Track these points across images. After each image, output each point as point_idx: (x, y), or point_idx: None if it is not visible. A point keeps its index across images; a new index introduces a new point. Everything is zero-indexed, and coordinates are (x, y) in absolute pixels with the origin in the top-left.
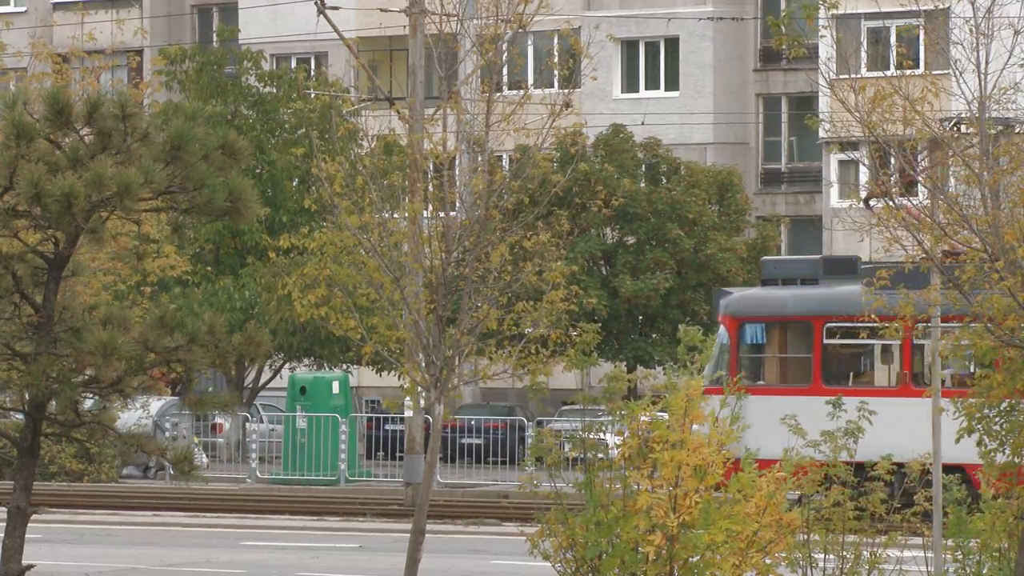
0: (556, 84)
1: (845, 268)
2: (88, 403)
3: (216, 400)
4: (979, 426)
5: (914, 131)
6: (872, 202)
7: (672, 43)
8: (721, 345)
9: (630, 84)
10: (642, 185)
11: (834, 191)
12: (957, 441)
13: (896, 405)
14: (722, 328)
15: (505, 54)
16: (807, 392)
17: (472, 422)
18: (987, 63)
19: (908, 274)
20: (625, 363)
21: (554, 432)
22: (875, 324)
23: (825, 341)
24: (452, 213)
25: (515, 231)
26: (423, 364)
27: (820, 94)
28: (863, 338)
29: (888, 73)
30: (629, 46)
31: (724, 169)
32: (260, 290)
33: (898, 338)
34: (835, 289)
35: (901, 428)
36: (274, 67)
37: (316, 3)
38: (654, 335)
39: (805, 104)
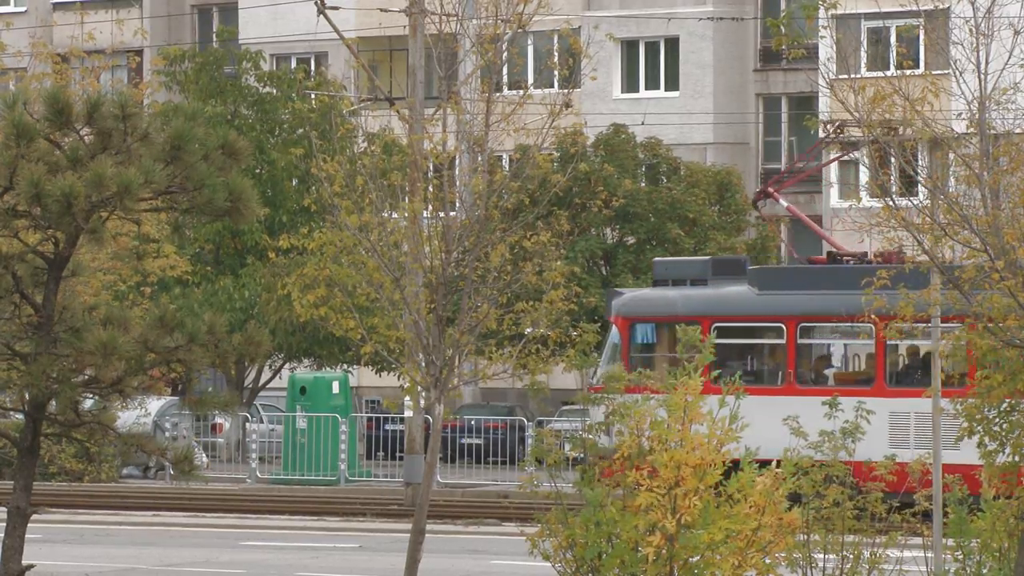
0: (556, 84)
1: (733, 269)
2: (88, 403)
3: (216, 400)
4: (979, 427)
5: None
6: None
7: (672, 43)
8: (613, 345)
9: (630, 84)
10: (642, 185)
11: (834, 191)
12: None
13: (781, 403)
14: (614, 328)
15: (505, 54)
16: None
17: (472, 422)
18: (987, 63)
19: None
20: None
21: (554, 432)
22: (758, 324)
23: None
24: (452, 213)
25: (515, 231)
26: (423, 364)
27: (820, 94)
28: (750, 338)
29: (888, 73)
30: (629, 46)
31: (724, 169)
32: (260, 290)
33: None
34: (723, 290)
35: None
36: (274, 67)
37: (316, 3)
38: None
39: (805, 104)
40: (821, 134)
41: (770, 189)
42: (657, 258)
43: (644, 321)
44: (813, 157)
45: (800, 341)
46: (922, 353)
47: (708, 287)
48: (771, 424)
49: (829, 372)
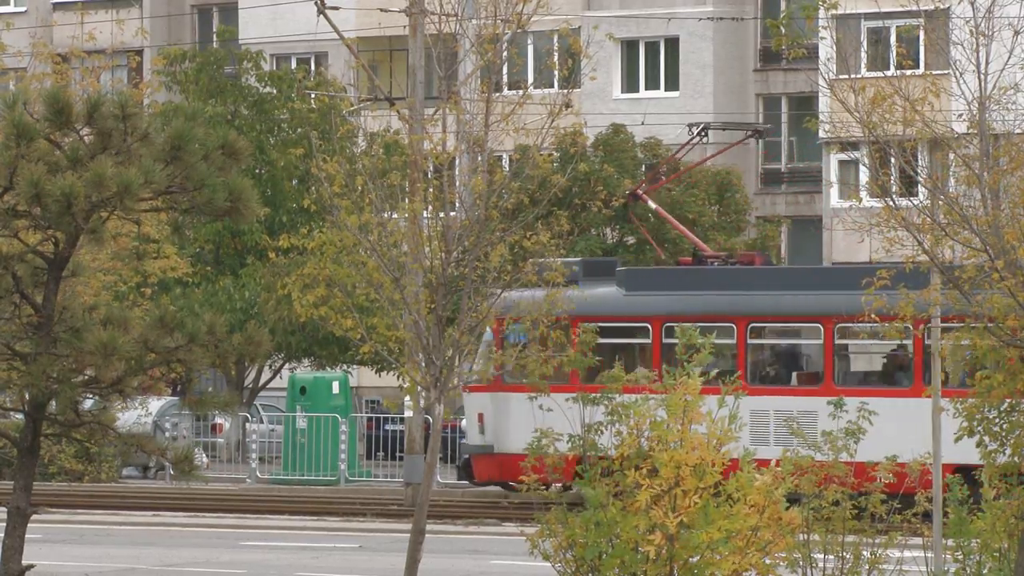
0: (556, 84)
1: (603, 270)
2: (88, 403)
3: (216, 400)
4: (979, 427)
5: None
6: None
7: (672, 43)
8: (486, 344)
9: (630, 84)
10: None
11: (834, 191)
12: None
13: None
14: (488, 328)
15: (505, 54)
16: (566, 389)
17: None
18: (987, 63)
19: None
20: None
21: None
22: (625, 324)
23: (601, 341)
24: (452, 213)
25: (515, 231)
26: (423, 364)
27: (820, 94)
28: (618, 338)
29: (888, 73)
30: (629, 46)
31: (724, 169)
32: (260, 290)
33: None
34: (592, 291)
35: None
36: (274, 67)
37: (316, 3)
38: None
39: (805, 104)
40: (687, 137)
41: (638, 192)
42: (531, 259)
43: (516, 320)
44: (681, 157)
45: (665, 341)
46: (781, 352)
47: (579, 288)
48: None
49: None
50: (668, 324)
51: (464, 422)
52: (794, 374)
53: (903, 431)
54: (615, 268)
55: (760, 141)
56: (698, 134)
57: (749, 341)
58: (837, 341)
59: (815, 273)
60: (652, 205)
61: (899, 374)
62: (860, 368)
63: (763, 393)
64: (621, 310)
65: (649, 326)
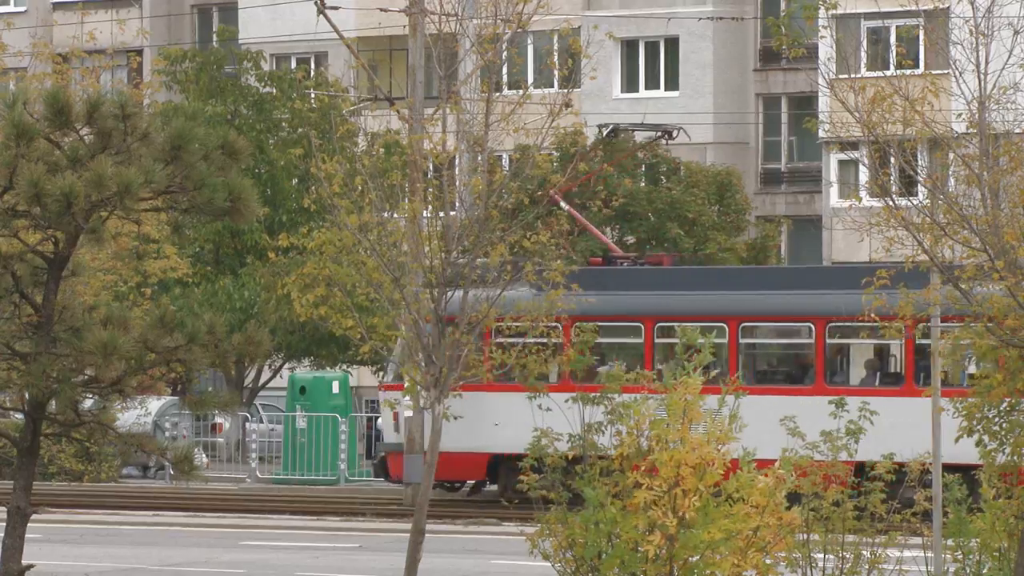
0: (556, 84)
1: (516, 270)
2: (88, 403)
3: (216, 400)
4: (979, 426)
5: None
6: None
7: (672, 43)
8: (402, 343)
9: (630, 84)
10: (642, 185)
11: (834, 191)
12: None
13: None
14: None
15: (505, 54)
16: (477, 388)
17: None
18: (987, 63)
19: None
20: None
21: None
22: (526, 324)
23: (495, 340)
24: (452, 213)
25: (515, 231)
26: (423, 364)
27: (820, 94)
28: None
29: (888, 73)
30: (629, 46)
31: (724, 169)
32: (260, 290)
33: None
34: (506, 291)
35: (551, 419)
36: (274, 67)
37: (316, 3)
38: None
39: (805, 104)
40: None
41: (552, 192)
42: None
43: (426, 321)
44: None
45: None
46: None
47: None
48: (542, 418)
49: (602, 370)
50: (577, 323)
51: (380, 421)
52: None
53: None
54: (520, 270)
55: (668, 140)
56: (606, 136)
57: (657, 341)
58: (741, 340)
59: (721, 273)
60: (564, 207)
61: (798, 373)
62: (763, 368)
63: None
64: (532, 310)
65: (559, 326)
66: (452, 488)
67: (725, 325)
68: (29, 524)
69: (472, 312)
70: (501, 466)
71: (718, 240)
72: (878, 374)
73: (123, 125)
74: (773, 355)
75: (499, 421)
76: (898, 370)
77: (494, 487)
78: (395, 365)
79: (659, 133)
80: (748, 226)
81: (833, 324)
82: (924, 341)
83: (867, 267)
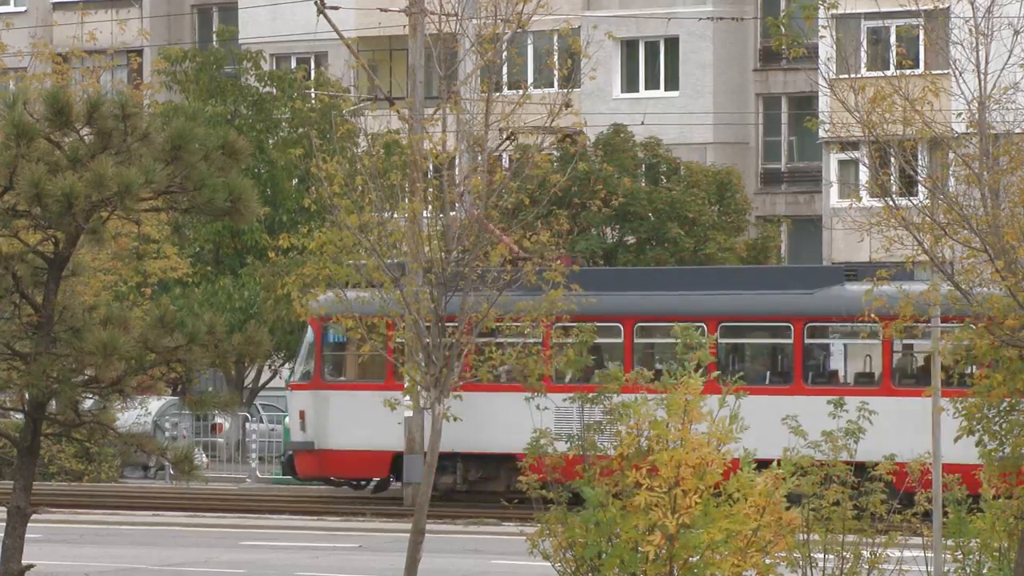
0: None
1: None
2: (88, 403)
3: (216, 400)
4: (979, 426)
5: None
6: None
7: (672, 43)
8: (308, 344)
9: (630, 84)
10: (642, 184)
11: (834, 191)
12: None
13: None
14: (309, 328)
15: (504, 54)
16: (382, 387)
17: None
18: (987, 63)
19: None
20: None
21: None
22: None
23: (398, 340)
24: (452, 213)
25: (515, 231)
26: (423, 364)
27: (820, 94)
28: None
29: (888, 73)
30: (629, 46)
31: (724, 169)
32: (260, 290)
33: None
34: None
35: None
36: (274, 67)
37: (316, 3)
38: None
39: (805, 104)
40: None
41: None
42: (349, 262)
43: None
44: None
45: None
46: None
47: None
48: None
49: (502, 370)
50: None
51: (288, 420)
52: (596, 373)
53: None
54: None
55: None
56: (506, 139)
57: (554, 341)
58: (637, 340)
59: (616, 275)
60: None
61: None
62: (659, 367)
63: (566, 390)
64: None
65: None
66: (358, 486)
67: (620, 325)
68: (29, 524)
69: (472, 312)
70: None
71: (718, 240)
72: (768, 373)
73: (123, 125)
74: (668, 355)
75: (402, 420)
76: (788, 369)
77: (398, 485)
78: (301, 364)
79: (560, 137)
80: (748, 226)
81: (726, 324)
82: (811, 341)
83: (758, 269)
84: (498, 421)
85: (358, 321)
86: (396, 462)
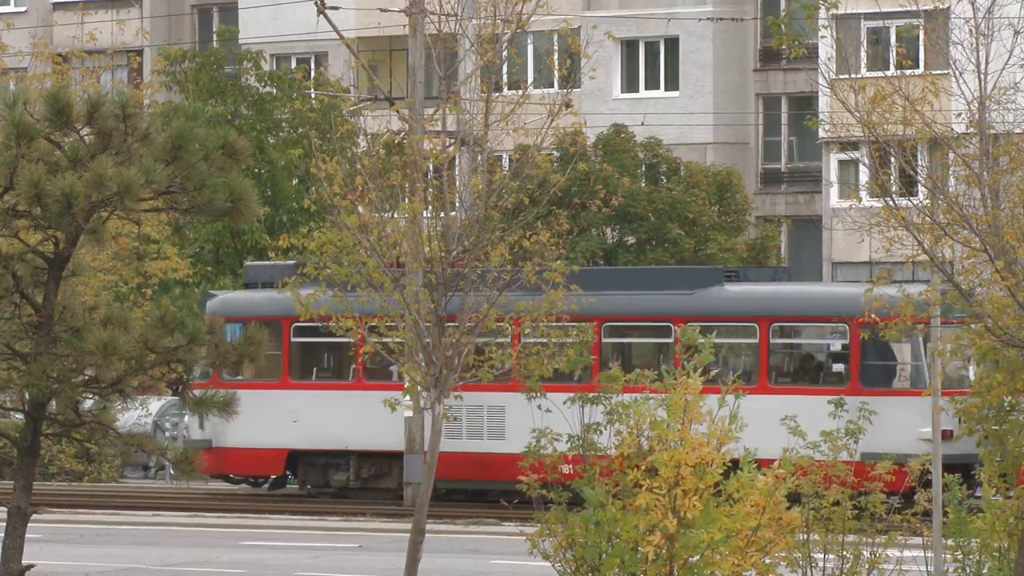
0: (556, 84)
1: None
2: (88, 403)
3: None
4: (979, 426)
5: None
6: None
7: (672, 43)
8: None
9: (630, 84)
10: (642, 185)
11: (834, 191)
12: None
13: (350, 396)
14: None
15: (504, 54)
16: (277, 386)
17: None
18: (987, 63)
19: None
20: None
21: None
22: (329, 324)
23: (293, 340)
24: (452, 213)
25: (515, 231)
26: (423, 364)
27: (820, 94)
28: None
29: (888, 73)
30: (629, 46)
31: (724, 169)
32: None
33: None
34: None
35: (350, 415)
36: (274, 67)
37: (316, 3)
38: None
39: (805, 104)
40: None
41: None
42: (248, 263)
43: (233, 321)
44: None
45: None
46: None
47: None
48: (339, 415)
49: (392, 368)
50: (370, 326)
51: (187, 418)
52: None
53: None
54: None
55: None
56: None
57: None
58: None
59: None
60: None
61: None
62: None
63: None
64: (333, 309)
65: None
66: (256, 484)
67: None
68: (29, 524)
69: (472, 312)
70: (300, 461)
71: (718, 240)
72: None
73: (123, 125)
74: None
75: (297, 418)
76: (670, 369)
77: (295, 485)
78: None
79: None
80: (748, 226)
81: (609, 324)
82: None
83: (641, 270)
84: (393, 420)
85: (357, 321)
86: (291, 459)
